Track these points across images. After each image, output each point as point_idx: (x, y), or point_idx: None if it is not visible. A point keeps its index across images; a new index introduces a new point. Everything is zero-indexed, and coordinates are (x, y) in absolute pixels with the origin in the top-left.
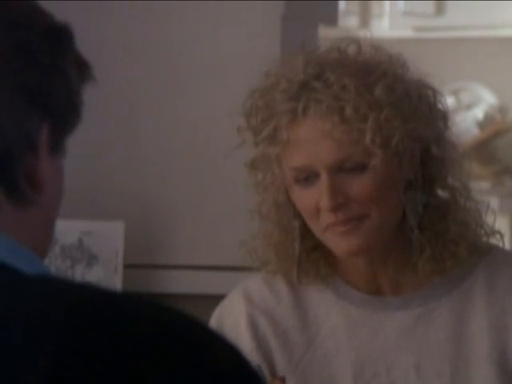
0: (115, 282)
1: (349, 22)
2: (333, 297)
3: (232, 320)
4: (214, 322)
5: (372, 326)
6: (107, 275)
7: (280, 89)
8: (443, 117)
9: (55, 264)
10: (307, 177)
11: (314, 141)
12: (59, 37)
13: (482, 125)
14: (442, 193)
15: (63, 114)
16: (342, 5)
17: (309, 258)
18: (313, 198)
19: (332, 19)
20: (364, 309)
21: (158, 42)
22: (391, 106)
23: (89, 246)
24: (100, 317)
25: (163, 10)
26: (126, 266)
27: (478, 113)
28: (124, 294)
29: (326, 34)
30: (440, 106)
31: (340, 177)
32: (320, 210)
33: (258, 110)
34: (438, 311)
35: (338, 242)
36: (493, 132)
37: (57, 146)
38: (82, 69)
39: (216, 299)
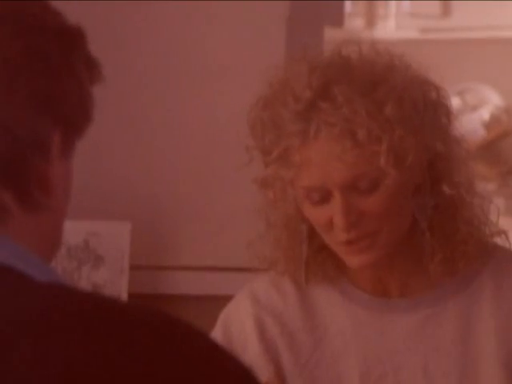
0: (121, 283)
1: (354, 23)
2: (340, 298)
3: (239, 322)
4: (220, 324)
5: (379, 328)
6: (113, 276)
7: (286, 106)
8: (446, 113)
9: (61, 265)
10: (321, 198)
11: (326, 163)
12: (71, 40)
13: (487, 126)
14: (448, 190)
15: (75, 118)
16: (347, 6)
17: (316, 259)
18: (326, 214)
19: (337, 21)
20: (371, 310)
21: (163, 44)
22: (402, 123)
23: (95, 247)
24: (107, 327)
25: (168, 11)
26: (133, 267)
27: (484, 114)
28: (133, 305)
29: (331, 36)
30: (443, 101)
31: (353, 194)
32: (333, 225)
33: (264, 128)
34: (446, 313)
35: (350, 258)
36: (498, 133)
37: (68, 149)
38: (92, 68)
39: (223, 300)
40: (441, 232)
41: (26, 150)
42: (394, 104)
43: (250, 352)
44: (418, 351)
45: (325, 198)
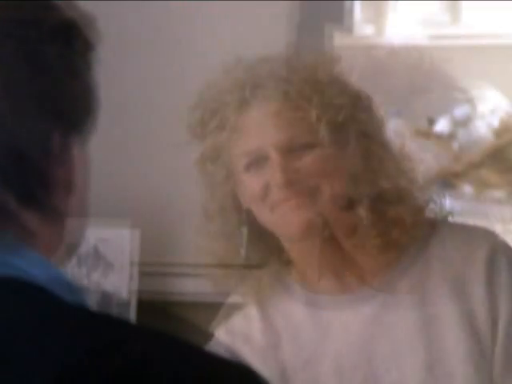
0: (130, 289)
1: (364, 30)
2: (302, 307)
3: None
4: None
5: (342, 325)
6: (122, 282)
7: (226, 81)
8: (382, 123)
9: (70, 271)
10: (258, 163)
11: (262, 124)
12: (69, 34)
13: (497, 133)
14: (386, 184)
15: (76, 115)
16: (357, 13)
17: (271, 273)
18: (262, 179)
19: (348, 27)
20: (334, 310)
21: (165, 44)
22: (332, 85)
23: (104, 254)
24: (122, 353)
25: (169, 11)
26: (141, 274)
27: (494, 121)
28: (150, 331)
29: (341, 42)
30: (378, 112)
31: (290, 156)
32: (270, 188)
33: (204, 104)
34: (400, 293)
35: (289, 218)
36: (508, 140)
37: (72, 147)
38: (90, 55)
39: (232, 307)
40: (375, 215)
41: (27, 151)
42: (324, 68)
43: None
44: (381, 335)
45: (262, 165)
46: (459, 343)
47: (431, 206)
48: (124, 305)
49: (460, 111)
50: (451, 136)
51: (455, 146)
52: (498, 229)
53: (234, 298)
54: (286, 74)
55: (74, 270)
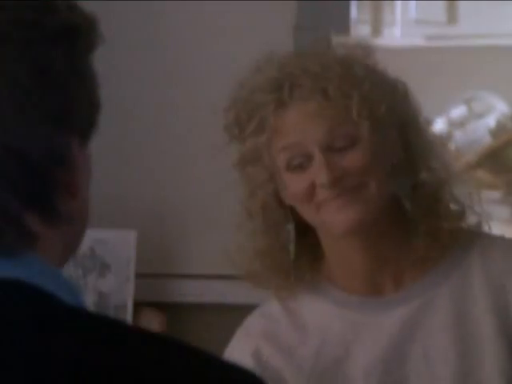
0: (127, 290)
1: (361, 30)
2: (332, 307)
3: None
4: None
5: (376, 327)
6: (119, 284)
7: (259, 85)
8: (419, 111)
9: (67, 273)
10: (300, 163)
11: (301, 121)
12: (72, 36)
13: (494, 133)
14: (426, 175)
15: (79, 117)
16: (354, 14)
17: (300, 269)
18: (307, 179)
19: (344, 28)
20: (365, 312)
21: (171, 54)
22: (369, 78)
23: (101, 255)
24: (124, 359)
25: (177, 21)
26: (138, 275)
27: (490, 121)
28: (147, 333)
29: (337, 43)
30: (414, 100)
31: (332, 155)
32: (315, 188)
33: (240, 116)
34: (439, 298)
35: (335, 217)
36: (505, 141)
37: (75, 148)
38: (91, 54)
39: (229, 309)
40: (423, 208)
41: (46, 168)
42: (359, 62)
43: None
44: (416, 340)
45: (304, 163)
46: (494, 356)
47: (471, 211)
48: (121, 306)
49: (456, 112)
50: (448, 137)
51: (452, 146)
52: (495, 230)
53: (234, 299)
54: (321, 71)
55: (70, 271)
